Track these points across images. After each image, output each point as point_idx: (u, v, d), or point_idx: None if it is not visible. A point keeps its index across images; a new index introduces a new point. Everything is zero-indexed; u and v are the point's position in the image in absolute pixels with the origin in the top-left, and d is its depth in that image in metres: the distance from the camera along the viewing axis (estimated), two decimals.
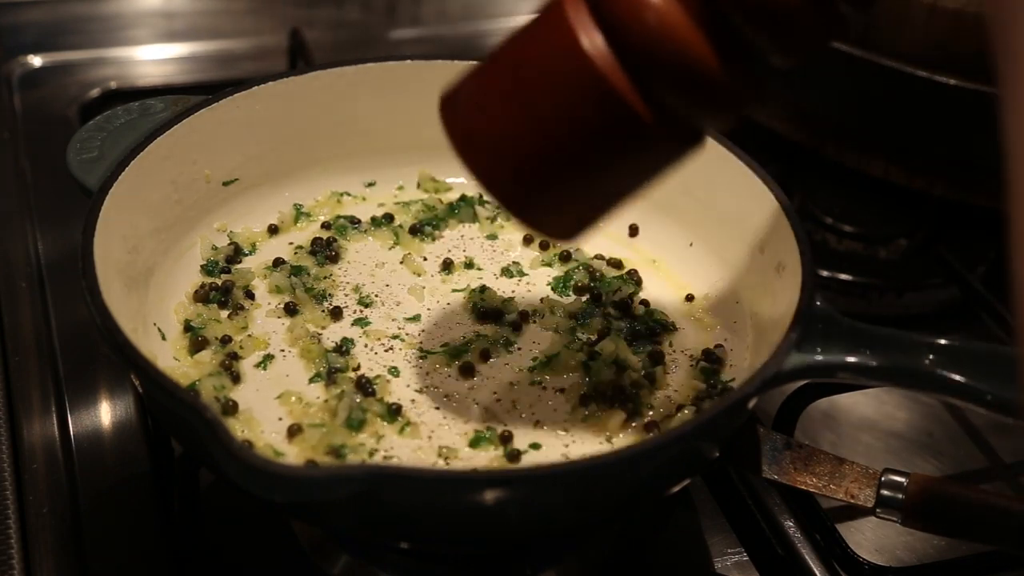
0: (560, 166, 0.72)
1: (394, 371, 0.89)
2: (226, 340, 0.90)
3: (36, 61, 1.44)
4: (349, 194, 1.06)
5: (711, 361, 0.91)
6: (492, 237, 1.04)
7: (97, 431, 0.96)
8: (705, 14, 0.66)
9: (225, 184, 1.00)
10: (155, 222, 0.93)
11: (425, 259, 1.01)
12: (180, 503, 0.89)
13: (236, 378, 0.87)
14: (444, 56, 1.06)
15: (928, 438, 1.04)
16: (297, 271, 0.97)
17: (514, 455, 0.82)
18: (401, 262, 1.00)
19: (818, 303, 0.81)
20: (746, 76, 0.69)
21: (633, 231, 1.04)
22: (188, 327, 0.90)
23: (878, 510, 0.82)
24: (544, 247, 1.02)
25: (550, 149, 0.71)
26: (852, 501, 0.82)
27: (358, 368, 0.89)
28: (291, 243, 1.01)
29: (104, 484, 0.91)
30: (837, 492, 0.82)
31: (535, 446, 0.84)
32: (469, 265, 1.00)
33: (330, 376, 0.87)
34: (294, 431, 0.82)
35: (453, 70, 1.04)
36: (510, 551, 0.87)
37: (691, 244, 1.01)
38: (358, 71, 1.04)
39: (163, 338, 0.89)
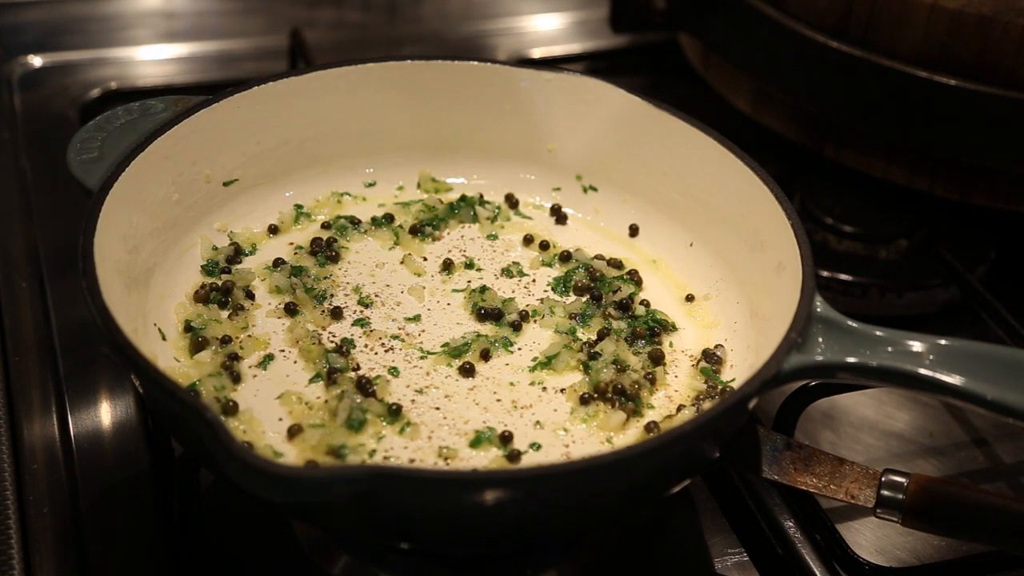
0: None
1: (394, 371, 0.89)
2: (226, 340, 0.89)
3: (36, 61, 1.44)
4: (349, 194, 1.06)
5: (711, 361, 0.91)
6: (492, 237, 1.04)
7: (97, 431, 0.96)
8: None
9: (225, 184, 1.00)
10: (155, 222, 0.93)
11: (425, 259, 1.01)
12: (180, 503, 0.89)
13: (236, 378, 0.87)
14: (444, 56, 1.06)
15: (928, 438, 1.04)
16: (297, 271, 0.97)
17: (514, 455, 0.82)
18: (401, 262, 1.00)
19: (818, 303, 0.81)
20: None
21: (633, 231, 1.04)
22: (188, 327, 0.90)
23: (878, 510, 0.82)
24: (544, 247, 1.02)
25: None
26: (852, 501, 0.82)
27: (358, 368, 0.89)
28: (291, 243, 1.01)
29: (104, 484, 0.91)
30: (837, 492, 0.82)
31: (535, 446, 0.84)
32: (469, 265, 1.00)
33: (330, 376, 0.87)
34: (294, 431, 0.82)
35: (453, 70, 1.06)
36: (510, 551, 0.87)
37: (691, 244, 1.01)
38: (358, 71, 1.04)
39: (163, 338, 0.89)
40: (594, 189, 1.07)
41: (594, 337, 0.93)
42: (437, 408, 0.86)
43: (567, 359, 0.91)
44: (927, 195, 1.17)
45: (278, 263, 0.98)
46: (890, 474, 0.82)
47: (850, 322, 0.81)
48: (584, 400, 0.87)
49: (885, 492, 0.81)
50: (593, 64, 1.51)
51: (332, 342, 0.91)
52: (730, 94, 1.30)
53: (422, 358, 0.90)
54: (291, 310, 0.93)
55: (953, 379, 0.76)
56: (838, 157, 1.20)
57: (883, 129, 1.14)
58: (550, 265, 1.01)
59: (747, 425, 0.84)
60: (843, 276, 1.14)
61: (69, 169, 0.89)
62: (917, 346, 0.78)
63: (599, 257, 1.01)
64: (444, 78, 1.06)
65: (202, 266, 0.97)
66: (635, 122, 1.02)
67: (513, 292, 0.98)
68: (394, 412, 0.84)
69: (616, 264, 1.01)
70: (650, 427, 0.86)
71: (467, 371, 0.89)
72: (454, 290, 0.98)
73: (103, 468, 0.92)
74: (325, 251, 0.99)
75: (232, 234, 1.00)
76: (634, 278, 0.99)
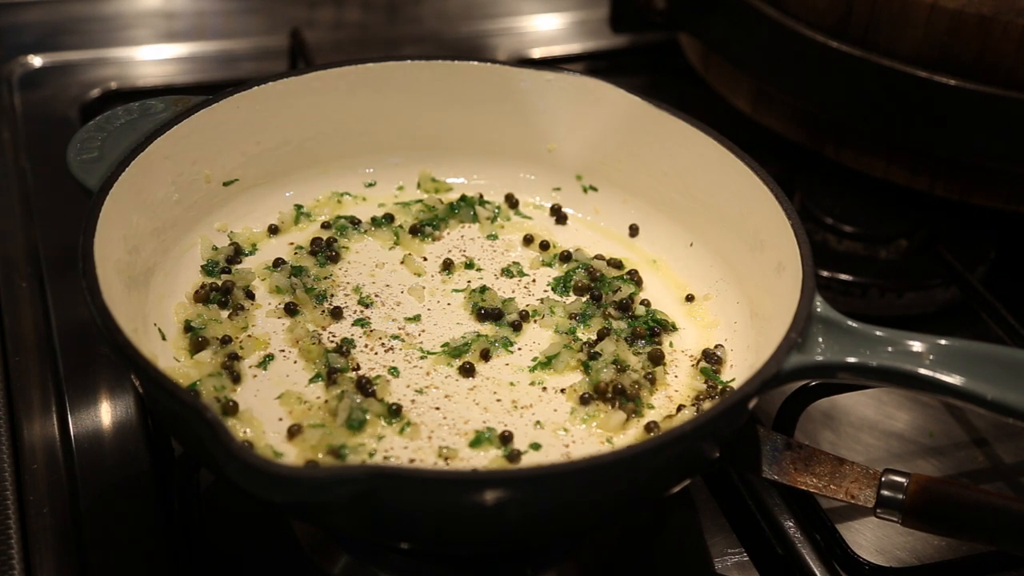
0: None
1: (394, 371, 0.89)
2: (226, 340, 0.89)
3: (36, 61, 1.44)
4: (349, 194, 1.06)
5: (711, 361, 0.91)
6: (492, 237, 1.04)
7: (97, 431, 0.96)
8: None
9: (225, 184, 1.00)
10: (155, 222, 0.93)
11: (425, 259, 1.01)
12: (180, 503, 0.89)
13: (236, 378, 0.87)
14: (444, 56, 1.06)
15: (928, 438, 1.04)
16: (297, 271, 0.97)
17: (514, 455, 0.82)
18: (401, 262, 1.00)
19: (818, 303, 0.81)
20: None
21: (633, 231, 1.04)
22: (188, 327, 0.90)
23: (878, 510, 0.82)
24: (544, 247, 1.02)
25: None
26: (852, 501, 0.82)
27: (358, 368, 0.89)
28: (291, 243, 1.01)
29: (104, 484, 0.91)
30: (837, 492, 0.82)
31: (535, 446, 0.84)
32: (469, 265, 1.00)
33: (330, 376, 0.87)
34: (294, 431, 0.82)
35: (453, 70, 1.06)
36: (510, 551, 0.87)
37: (691, 244, 1.01)
38: (358, 71, 1.04)
39: (163, 338, 0.89)
40: (594, 189, 1.07)
41: (594, 337, 0.93)
42: (437, 408, 0.86)
43: (567, 359, 0.91)
44: (927, 195, 1.17)
45: (278, 263, 0.98)
46: (890, 474, 0.82)
47: (850, 322, 0.80)
48: (584, 400, 0.87)
49: (885, 492, 0.81)
50: (593, 64, 1.51)
51: (332, 342, 0.91)
52: (730, 94, 1.30)
53: (422, 358, 0.90)
54: (291, 310, 0.93)
55: (953, 379, 0.76)
56: (838, 157, 1.20)
57: (883, 129, 1.14)
58: (550, 265, 1.01)
59: (747, 425, 0.84)
60: (843, 276, 1.14)
61: (69, 169, 0.89)
62: (917, 346, 0.78)
63: (599, 257, 1.01)
64: (444, 78, 1.06)
65: (202, 266, 0.97)
66: (635, 122, 1.02)
67: (513, 292, 0.98)
68: (394, 412, 0.84)
69: (616, 264, 1.01)
70: (650, 427, 0.86)
71: (467, 371, 0.89)
72: (454, 290, 0.98)
73: (103, 468, 0.92)
74: (325, 251, 0.99)
75: (232, 234, 1.00)
76: (634, 278, 0.99)
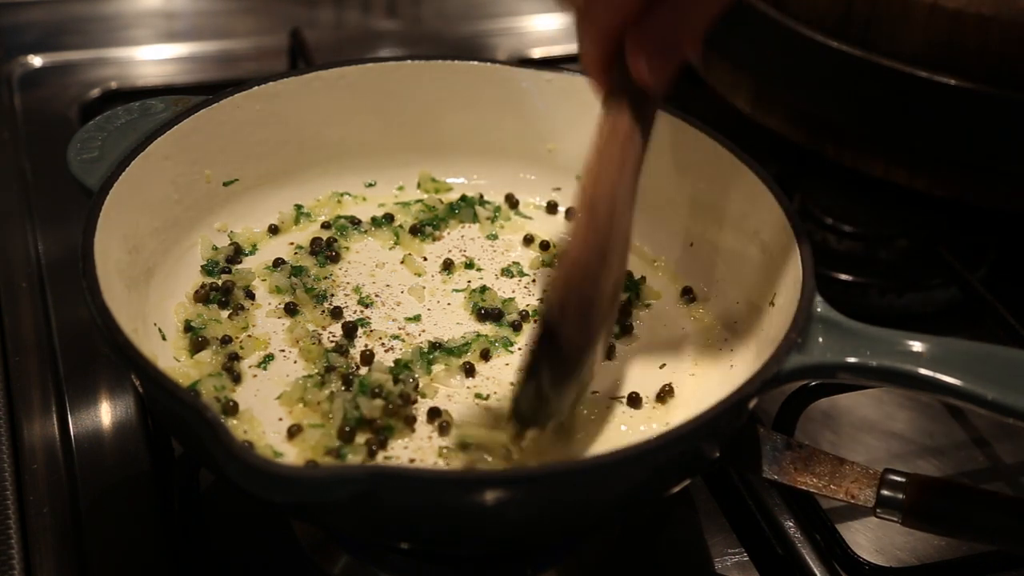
0: None
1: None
2: (226, 340, 0.89)
3: (36, 61, 1.44)
4: (349, 194, 1.06)
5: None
6: (492, 237, 1.04)
7: (97, 431, 0.96)
8: None
9: (225, 184, 1.00)
10: (155, 222, 0.93)
11: (425, 259, 1.01)
12: (180, 503, 0.89)
13: (236, 378, 0.87)
14: (444, 56, 1.06)
15: (928, 438, 1.04)
16: (297, 271, 0.97)
17: None
18: (401, 262, 1.00)
19: (818, 303, 0.81)
20: None
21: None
22: (188, 327, 0.90)
23: (878, 510, 0.82)
24: (544, 247, 1.02)
25: None
26: (852, 501, 0.82)
27: (358, 368, 0.89)
28: (291, 243, 1.01)
29: (104, 484, 0.91)
30: (837, 492, 0.82)
31: None
32: (469, 265, 1.00)
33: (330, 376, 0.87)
34: (294, 431, 0.82)
35: (453, 70, 1.06)
36: (510, 551, 0.87)
37: (691, 244, 1.01)
38: (358, 71, 1.04)
39: (163, 338, 0.89)
40: None
41: None
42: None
43: None
44: (927, 195, 1.17)
45: (278, 263, 0.98)
46: (890, 474, 0.82)
47: (850, 322, 0.80)
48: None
49: (885, 492, 0.81)
50: None
51: (332, 342, 0.91)
52: (730, 94, 1.30)
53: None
54: (291, 310, 0.93)
55: (953, 379, 0.76)
56: (838, 157, 1.20)
57: (883, 129, 1.14)
58: (550, 265, 1.01)
59: (747, 425, 0.84)
60: (843, 276, 1.14)
61: (69, 169, 0.89)
62: (917, 346, 0.78)
63: None
64: (444, 78, 1.06)
65: (202, 266, 0.97)
66: None
67: (513, 292, 0.98)
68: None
69: None
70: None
71: (467, 371, 0.89)
72: (454, 290, 0.98)
73: (103, 468, 0.92)
74: (325, 251, 0.99)
75: (232, 234, 1.00)
76: (634, 278, 0.99)
